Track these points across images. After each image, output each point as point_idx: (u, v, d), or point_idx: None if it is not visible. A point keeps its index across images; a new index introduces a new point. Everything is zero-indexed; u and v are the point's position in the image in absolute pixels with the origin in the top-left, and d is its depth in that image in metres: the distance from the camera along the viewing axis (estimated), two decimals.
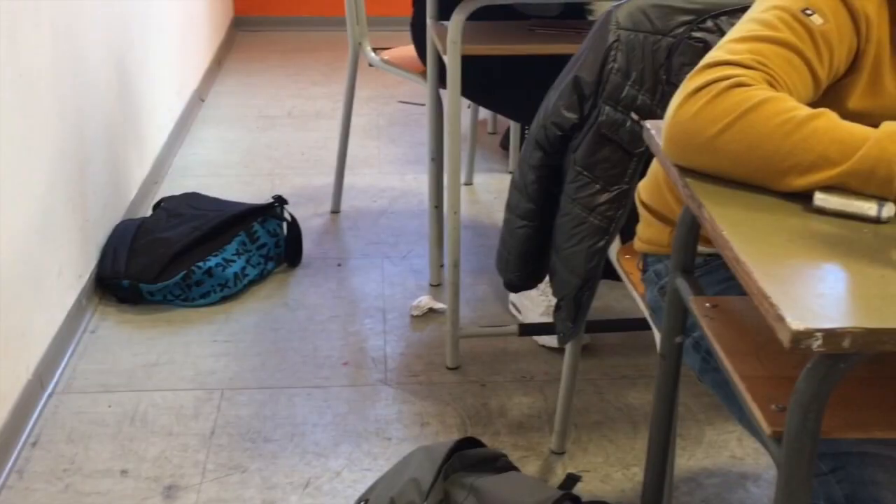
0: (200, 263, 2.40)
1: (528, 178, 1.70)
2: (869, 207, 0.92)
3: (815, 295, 0.80)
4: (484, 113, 3.45)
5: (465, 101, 2.87)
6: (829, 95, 1.12)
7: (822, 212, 0.94)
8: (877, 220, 0.92)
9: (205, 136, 3.58)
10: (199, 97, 3.83)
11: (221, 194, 2.80)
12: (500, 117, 3.51)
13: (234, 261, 2.46)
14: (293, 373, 2.17)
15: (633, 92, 1.53)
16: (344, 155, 2.91)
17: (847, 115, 0.99)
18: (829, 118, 0.97)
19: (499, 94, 2.44)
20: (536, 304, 2.34)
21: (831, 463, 1.11)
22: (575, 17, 2.30)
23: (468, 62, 2.11)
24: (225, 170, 3.27)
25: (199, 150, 3.43)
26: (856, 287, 0.83)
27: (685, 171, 1.03)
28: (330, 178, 2.99)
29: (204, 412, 2.03)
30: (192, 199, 2.69)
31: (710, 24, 1.53)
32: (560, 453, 1.92)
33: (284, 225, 2.61)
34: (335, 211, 2.96)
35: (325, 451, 1.92)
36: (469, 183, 3.13)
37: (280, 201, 2.61)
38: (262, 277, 2.54)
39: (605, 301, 2.39)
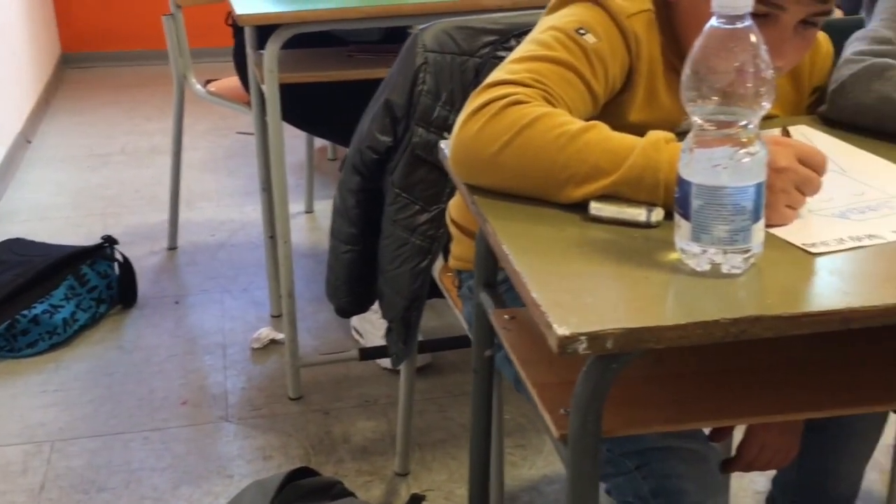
0: (25, 312, 2.31)
1: (349, 203, 1.71)
2: (639, 213, 0.97)
3: (584, 300, 0.84)
4: (322, 140, 3.45)
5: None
6: (611, 110, 1.17)
7: (598, 220, 0.98)
8: (647, 225, 0.97)
9: (32, 178, 3.44)
10: (25, 138, 3.68)
11: (50, 238, 2.70)
12: None
13: (62, 306, 2.37)
14: (129, 417, 2.11)
15: (444, 112, 1.57)
16: (177, 190, 2.85)
17: (628, 128, 1.04)
18: (600, 130, 1.01)
19: (325, 121, 2.44)
20: (378, 327, 2.35)
21: (636, 460, 1.15)
22: (396, 42, 2.33)
23: (292, 90, 2.10)
24: (54, 212, 3.15)
25: (25, 194, 3.30)
26: (622, 290, 0.87)
27: (475, 187, 1.06)
28: (166, 215, 2.92)
29: (33, 466, 1.94)
30: (16, 245, 2.58)
31: (513, 43, 1.57)
32: (404, 475, 1.93)
33: (116, 265, 2.53)
34: (172, 247, 2.89)
35: (163, 495, 1.87)
36: (310, 211, 3.12)
37: (110, 241, 2.53)
38: (94, 321, 2.45)
39: (445, 320, 2.42)
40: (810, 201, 1.00)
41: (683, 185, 0.87)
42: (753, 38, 0.83)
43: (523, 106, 1.02)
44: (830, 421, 1.35)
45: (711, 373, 1.03)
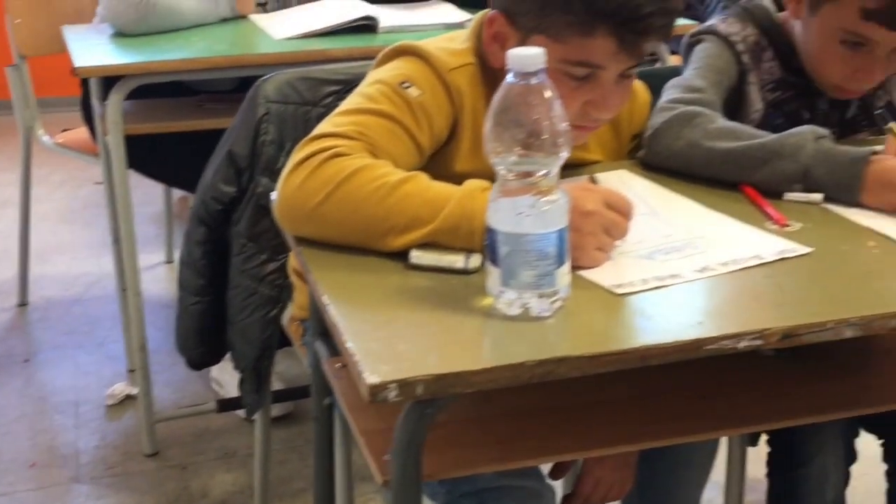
0: None
1: (196, 254, 1.69)
2: (457, 260, 1.00)
3: (397, 348, 0.86)
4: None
5: None
6: (437, 160, 1.21)
7: (418, 268, 1.01)
8: (465, 272, 1.00)
9: None
10: None
11: None
12: None
13: None
14: None
15: None
16: (26, 243, 2.76)
17: (455, 178, 1.08)
18: (418, 181, 1.04)
19: (178, 171, 2.41)
20: (236, 377, 2.32)
21: (474, 500, 1.18)
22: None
23: (143, 140, 2.08)
24: None
25: None
26: (437, 336, 0.89)
27: (302, 238, 1.08)
28: (17, 270, 2.82)
29: None
30: None
31: None
32: None
33: None
34: (22, 304, 2.79)
35: None
36: (170, 261, 3.06)
37: None
38: None
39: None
40: (621, 243, 1.05)
41: (491, 232, 0.90)
42: (548, 93, 0.88)
43: (344, 158, 1.05)
44: (661, 451, 1.40)
45: (541, 410, 1.06)
